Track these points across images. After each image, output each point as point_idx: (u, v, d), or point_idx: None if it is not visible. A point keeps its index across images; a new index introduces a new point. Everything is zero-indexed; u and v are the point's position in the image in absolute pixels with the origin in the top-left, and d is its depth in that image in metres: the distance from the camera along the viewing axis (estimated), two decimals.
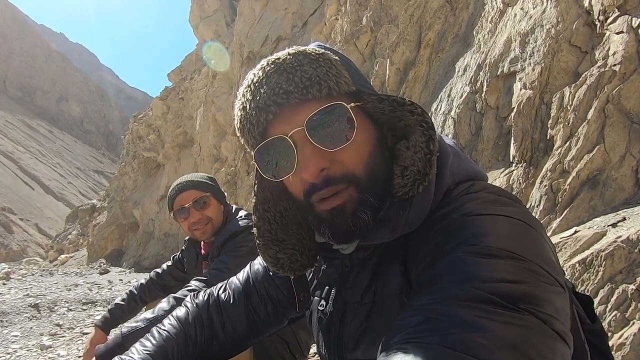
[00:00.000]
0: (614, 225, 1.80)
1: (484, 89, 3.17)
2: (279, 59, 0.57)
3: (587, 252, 1.73)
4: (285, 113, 0.55)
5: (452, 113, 3.52)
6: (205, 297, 0.86)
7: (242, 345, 0.84)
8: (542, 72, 2.57)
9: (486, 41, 3.47)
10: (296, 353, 1.50)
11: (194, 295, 0.89)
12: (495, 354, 0.35)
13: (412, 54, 4.62)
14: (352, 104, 0.55)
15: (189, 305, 0.86)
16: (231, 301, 0.83)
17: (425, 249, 0.50)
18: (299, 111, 0.54)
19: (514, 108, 2.77)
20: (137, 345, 0.79)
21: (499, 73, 3.07)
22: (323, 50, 0.59)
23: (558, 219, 2.13)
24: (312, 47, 0.60)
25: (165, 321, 0.84)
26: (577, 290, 0.64)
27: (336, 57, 0.59)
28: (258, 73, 0.57)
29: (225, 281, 0.89)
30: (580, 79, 2.33)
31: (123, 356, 0.76)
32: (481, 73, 3.29)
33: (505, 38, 3.10)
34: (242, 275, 0.87)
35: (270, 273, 0.82)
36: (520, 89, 2.76)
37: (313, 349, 2.15)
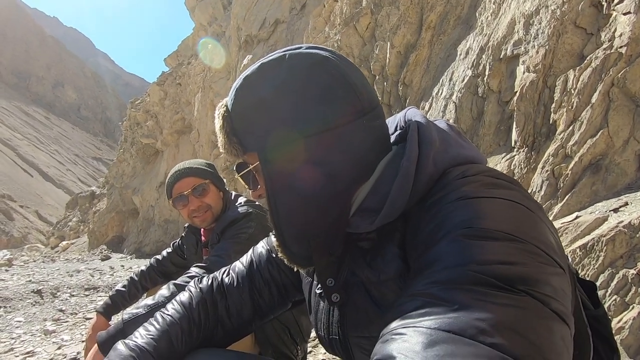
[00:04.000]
0: (615, 210, 1.79)
1: (486, 73, 3.12)
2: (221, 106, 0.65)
3: (588, 238, 1.73)
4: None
5: (454, 97, 3.48)
6: (209, 282, 0.86)
7: (246, 329, 0.84)
8: (546, 54, 2.52)
9: (489, 23, 3.39)
10: (297, 338, 1.51)
11: (197, 280, 0.88)
12: (493, 336, 0.35)
13: (413, 37, 4.53)
14: (238, 174, 0.67)
15: (192, 290, 0.86)
16: (235, 285, 0.83)
17: (421, 234, 0.50)
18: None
19: (516, 92, 2.73)
20: (140, 329, 0.79)
21: (501, 56, 3.01)
22: (221, 123, 0.62)
23: (559, 204, 2.12)
24: (246, 89, 0.61)
25: (169, 306, 0.83)
26: (580, 276, 0.63)
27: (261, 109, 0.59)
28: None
29: (229, 266, 0.89)
30: (585, 61, 2.29)
31: (127, 340, 0.76)
32: (484, 56, 3.23)
33: (509, 20, 3.03)
34: (245, 259, 0.88)
35: (274, 255, 0.83)
36: (524, 73, 2.72)
37: (314, 333, 2.17)
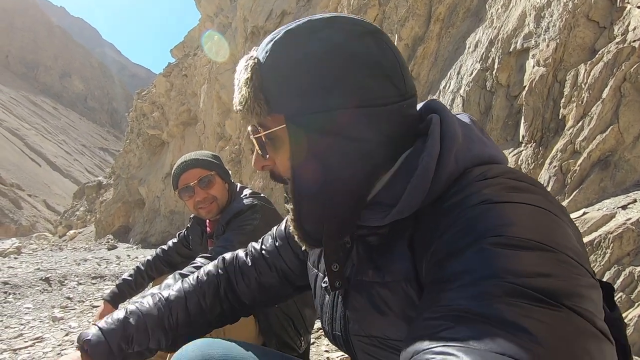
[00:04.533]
0: (624, 207, 1.77)
1: (495, 66, 3.07)
2: (237, 71, 0.59)
3: (595, 234, 1.71)
4: None
5: (461, 91, 3.44)
6: (229, 258, 0.90)
7: (252, 309, 0.89)
8: (557, 48, 2.48)
9: (499, 15, 3.34)
10: (301, 329, 1.52)
11: (221, 258, 0.92)
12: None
13: (421, 29, 4.47)
14: (255, 135, 0.59)
15: (212, 267, 0.90)
16: (250, 264, 0.86)
17: (439, 240, 0.46)
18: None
19: (525, 86, 2.69)
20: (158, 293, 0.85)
21: (511, 49, 2.96)
22: (249, 75, 0.55)
23: (567, 201, 2.10)
24: (251, 59, 0.57)
25: (192, 276, 0.89)
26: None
27: (269, 75, 0.54)
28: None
29: (249, 245, 0.92)
30: (597, 55, 2.24)
31: (139, 302, 0.83)
32: (493, 49, 3.18)
33: (519, 12, 2.97)
34: (263, 240, 0.90)
35: (280, 243, 0.86)
36: (533, 67, 2.67)
37: (317, 324, 2.19)
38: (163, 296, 0.84)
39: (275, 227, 0.90)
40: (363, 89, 0.52)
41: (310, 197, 0.56)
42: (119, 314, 0.79)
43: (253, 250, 0.89)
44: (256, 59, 0.56)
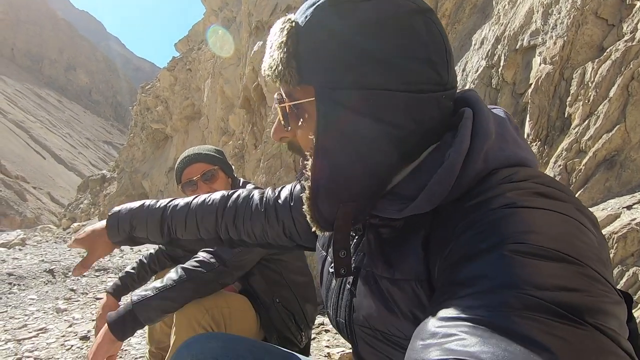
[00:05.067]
0: (629, 207, 1.76)
1: (501, 64, 3.05)
2: (272, 32, 0.56)
3: None
4: None
5: (466, 88, 3.42)
6: (244, 196, 0.92)
7: (248, 246, 0.92)
8: (565, 46, 2.45)
9: (506, 12, 3.30)
10: (302, 324, 1.53)
11: (236, 194, 0.93)
12: None
13: None
14: (281, 105, 0.57)
15: (220, 197, 0.92)
16: (262, 210, 0.88)
17: (456, 240, 0.43)
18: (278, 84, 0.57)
19: (531, 84, 2.67)
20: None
21: (518, 47, 2.93)
22: (284, 39, 0.52)
23: None
24: (285, 22, 0.53)
25: (201, 197, 0.94)
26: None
27: (301, 45, 0.51)
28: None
29: (267, 190, 0.93)
30: (605, 54, 2.22)
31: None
32: (499, 46, 3.15)
33: (526, 9, 2.94)
34: (280, 192, 0.88)
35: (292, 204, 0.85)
36: (540, 64, 2.65)
37: (318, 319, 2.20)
38: (172, 204, 0.93)
39: (294, 184, 0.87)
40: (405, 71, 0.49)
41: (330, 177, 0.52)
42: (135, 204, 0.96)
43: (267, 198, 0.88)
44: (294, 22, 0.52)
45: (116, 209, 0.97)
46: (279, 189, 0.89)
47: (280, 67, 0.51)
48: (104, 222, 0.96)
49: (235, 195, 0.91)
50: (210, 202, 0.91)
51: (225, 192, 0.93)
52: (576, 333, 0.31)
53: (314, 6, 0.51)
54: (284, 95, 0.55)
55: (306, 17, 0.51)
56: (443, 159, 0.49)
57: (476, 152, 0.48)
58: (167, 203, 0.94)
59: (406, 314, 0.52)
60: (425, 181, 0.50)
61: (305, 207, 0.56)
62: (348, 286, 0.63)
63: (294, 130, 0.57)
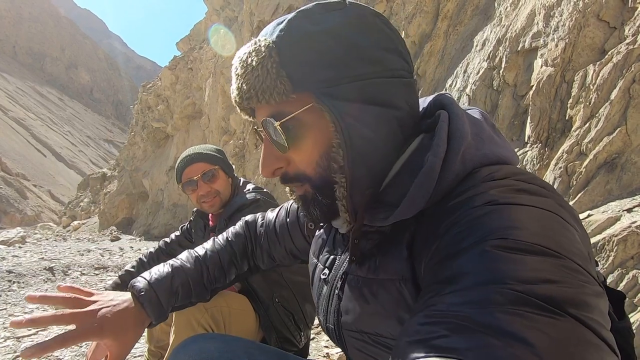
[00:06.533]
0: (629, 210, 1.76)
1: (503, 65, 3.05)
2: (238, 59, 0.55)
3: (599, 237, 1.70)
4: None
5: (467, 90, 3.41)
6: (252, 221, 0.99)
7: (261, 271, 0.98)
8: (566, 48, 2.45)
9: (508, 14, 3.30)
10: (301, 324, 1.53)
11: (245, 221, 1.00)
12: None
13: (428, 27, 4.43)
14: (277, 122, 0.53)
15: (238, 228, 0.98)
16: (262, 233, 0.95)
17: (440, 239, 0.44)
18: (258, 111, 0.57)
19: (532, 86, 2.67)
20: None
21: (519, 48, 2.93)
22: (264, 54, 0.51)
23: (571, 202, 2.09)
24: (259, 42, 0.53)
25: (220, 236, 0.98)
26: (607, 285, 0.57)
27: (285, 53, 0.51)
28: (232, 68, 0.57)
29: (267, 213, 0.99)
30: (606, 56, 2.21)
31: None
32: (500, 48, 3.15)
33: (528, 11, 2.94)
34: (278, 213, 0.95)
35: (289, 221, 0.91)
36: (541, 66, 2.65)
37: (317, 320, 2.19)
38: (199, 254, 0.92)
39: (290, 203, 0.93)
40: (386, 61, 0.53)
41: (361, 167, 0.53)
42: (164, 269, 0.86)
43: (267, 221, 0.95)
44: (267, 40, 0.52)
45: (138, 284, 0.80)
46: (277, 210, 0.96)
47: (268, 81, 0.51)
48: (127, 303, 0.76)
49: (244, 232, 0.98)
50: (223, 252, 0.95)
51: (226, 237, 0.97)
52: (557, 325, 0.32)
53: (285, 21, 0.52)
54: (269, 118, 0.54)
55: (281, 31, 0.52)
56: (422, 163, 0.50)
57: (454, 154, 0.49)
58: (180, 264, 0.89)
59: (392, 315, 0.53)
60: (407, 186, 0.51)
61: (343, 201, 0.55)
62: (336, 291, 0.64)
63: (289, 153, 0.56)
